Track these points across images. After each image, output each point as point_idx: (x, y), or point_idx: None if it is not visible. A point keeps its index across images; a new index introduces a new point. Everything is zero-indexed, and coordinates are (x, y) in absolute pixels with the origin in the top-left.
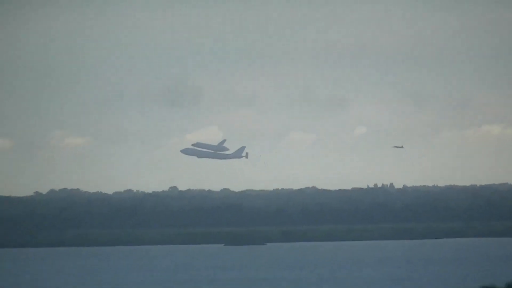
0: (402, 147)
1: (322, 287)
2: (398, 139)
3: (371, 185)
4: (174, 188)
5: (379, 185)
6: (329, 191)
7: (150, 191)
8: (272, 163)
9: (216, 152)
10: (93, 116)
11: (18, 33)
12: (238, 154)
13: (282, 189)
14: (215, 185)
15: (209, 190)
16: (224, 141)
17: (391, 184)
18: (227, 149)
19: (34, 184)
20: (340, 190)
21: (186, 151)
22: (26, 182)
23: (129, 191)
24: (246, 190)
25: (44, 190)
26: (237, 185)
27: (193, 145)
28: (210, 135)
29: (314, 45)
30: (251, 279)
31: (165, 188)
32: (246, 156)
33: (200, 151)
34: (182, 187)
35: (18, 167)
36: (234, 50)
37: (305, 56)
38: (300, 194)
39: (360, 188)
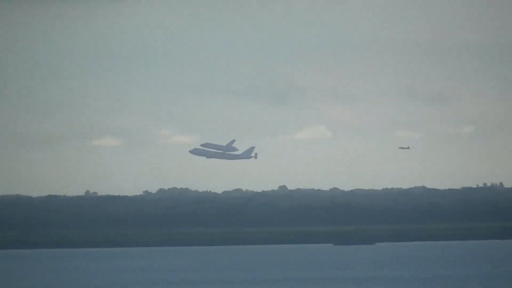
0: (408, 148)
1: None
2: (506, 138)
3: (481, 184)
4: (283, 187)
5: (488, 184)
6: (438, 190)
7: (259, 190)
8: (379, 162)
9: (225, 152)
10: (199, 115)
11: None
12: (247, 155)
13: (392, 188)
14: (324, 184)
15: (318, 190)
16: (233, 141)
17: (501, 183)
18: (236, 150)
19: (143, 183)
20: (449, 189)
21: (195, 152)
22: (135, 181)
23: (238, 190)
24: (355, 189)
25: (153, 189)
26: (346, 184)
27: (202, 145)
28: (318, 133)
29: (418, 40)
30: (366, 278)
31: (274, 187)
32: (255, 157)
33: (209, 151)
34: (291, 186)
35: (127, 166)
36: (337, 47)
37: (408, 52)
38: (408, 193)
39: (470, 187)
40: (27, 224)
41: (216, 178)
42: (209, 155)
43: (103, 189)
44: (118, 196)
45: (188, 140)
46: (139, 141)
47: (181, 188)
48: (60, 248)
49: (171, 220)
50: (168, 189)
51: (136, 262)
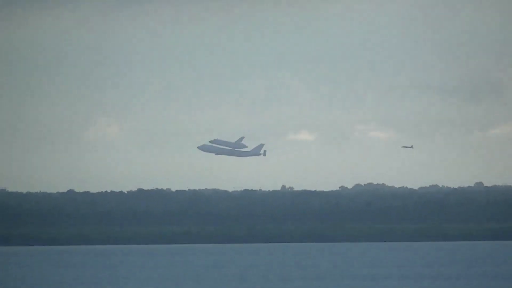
0: (411, 147)
1: None
2: None
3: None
4: (479, 184)
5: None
6: None
7: (455, 186)
8: None
9: (234, 149)
10: (394, 109)
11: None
12: (256, 152)
13: None
14: None
15: None
16: (242, 138)
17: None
18: (245, 146)
19: (339, 178)
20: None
21: (203, 148)
22: (330, 176)
23: (435, 186)
24: None
25: (349, 184)
26: None
27: (210, 141)
28: None
29: None
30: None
31: (471, 183)
32: (264, 154)
33: (217, 148)
34: (487, 183)
35: (322, 161)
36: None
37: None
38: None
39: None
40: (228, 216)
41: (411, 173)
42: (217, 152)
43: (299, 184)
44: (315, 191)
45: (384, 136)
46: (334, 136)
47: (377, 183)
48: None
49: (368, 215)
50: (365, 184)
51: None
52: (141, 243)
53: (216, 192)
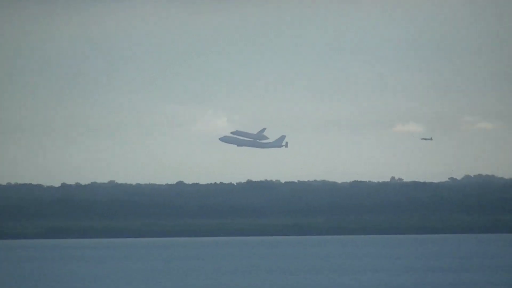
0: (431, 139)
1: None
2: None
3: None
4: None
5: None
6: None
7: None
8: None
9: (256, 140)
10: (500, 102)
11: None
12: (278, 143)
13: None
14: None
15: None
16: (264, 129)
17: None
18: (267, 138)
19: (449, 170)
20: None
21: (224, 139)
22: (438, 167)
23: None
24: None
25: (459, 175)
26: None
27: (232, 133)
28: None
29: None
30: None
31: None
32: (286, 145)
33: (239, 139)
34: None
35: (431, 152)
36: None
37: None
38: None
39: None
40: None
41: None
42: (239, 143)
43: (408, 175)
44: (424, 182)
45: (492, 127)
46: (442, 127)
47: (486, 175)
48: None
49: (477, 208)
50: (474, 176)
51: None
52: (251, 235)
53: (324, 183)
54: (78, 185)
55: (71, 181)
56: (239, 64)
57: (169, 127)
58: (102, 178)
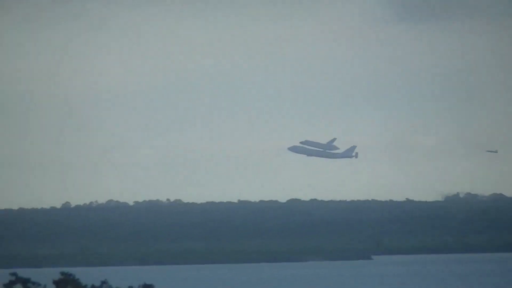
0: (496, 151)
1: None
2: None
3: None
4: None
5: None
6: None
7: None
8: None
9: (325, 151)
10: None
11: None
12: (348, 154)
13: None
14: None
15: None
16: (334, 139)
17: None
18: (337, 148)
19: None
20: None
21: (294, 149)
22: None
23: None
24: None
25: None
26: None
27: (301, 143)
28: None
29: None
30: None
31: None
32: (356, 156)
33: (308, 149)
34: None
35: None
36: None
37: None
38: None
39: None
40: None
41: None
42: (309, 153)
43: None
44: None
45: None
46: None
47: None
48: None
49: None
50: None
51: None
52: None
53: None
54: None
55: None
56: None
57: None
58: None
